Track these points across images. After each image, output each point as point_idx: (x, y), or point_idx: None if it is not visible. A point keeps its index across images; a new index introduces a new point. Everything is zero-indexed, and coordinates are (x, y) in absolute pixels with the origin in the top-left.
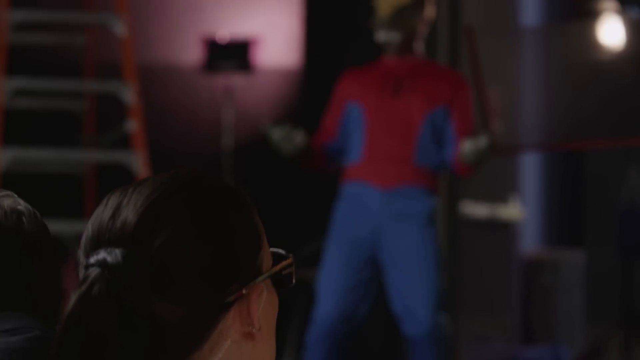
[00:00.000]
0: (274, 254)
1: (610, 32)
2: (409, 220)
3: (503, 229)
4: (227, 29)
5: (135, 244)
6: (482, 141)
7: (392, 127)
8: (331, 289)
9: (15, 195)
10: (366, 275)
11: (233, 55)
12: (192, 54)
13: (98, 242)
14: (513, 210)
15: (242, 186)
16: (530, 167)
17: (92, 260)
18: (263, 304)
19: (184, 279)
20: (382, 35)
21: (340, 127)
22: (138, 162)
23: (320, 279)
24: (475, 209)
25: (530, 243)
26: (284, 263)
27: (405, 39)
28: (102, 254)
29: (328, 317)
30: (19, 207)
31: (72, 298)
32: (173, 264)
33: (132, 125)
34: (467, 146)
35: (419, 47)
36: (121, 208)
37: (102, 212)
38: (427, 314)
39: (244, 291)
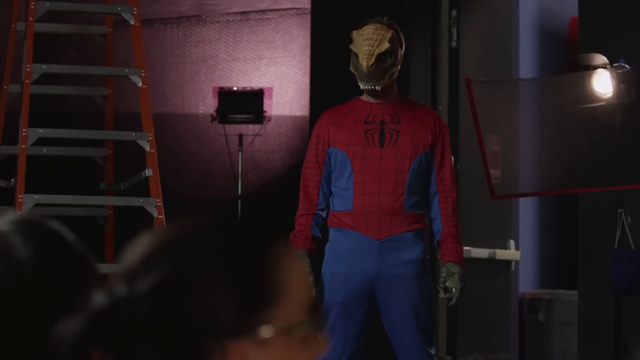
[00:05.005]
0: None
1: (601, 84)
2: (402, 268)
3: (502, 270)
4: (240, 81)
5: (128, 285)
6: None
7: (381, 177)
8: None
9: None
10: (363, 316)
11: (245, 105)
12: (206, 104)
13: (115, 279)
14: (511, 253)
15: (268, 236)
16: (526, 212)
17: (93, 299)
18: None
19: (164, 324)
20: (366, 86)
21: (324, 175)
22: (154, 207)
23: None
24: (475, 253)
25: (527, 285)
26: (292, 322)
27: (386, 84)
28: (100, 295)
29: None
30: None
31: (53, 334)
32: (157, 308)
33: (149, 172)
34: (448, 281)
35: (395, 85)
36: (134, 249)
37: (127, 252)
38: (419, 356)
39: (228, 346)
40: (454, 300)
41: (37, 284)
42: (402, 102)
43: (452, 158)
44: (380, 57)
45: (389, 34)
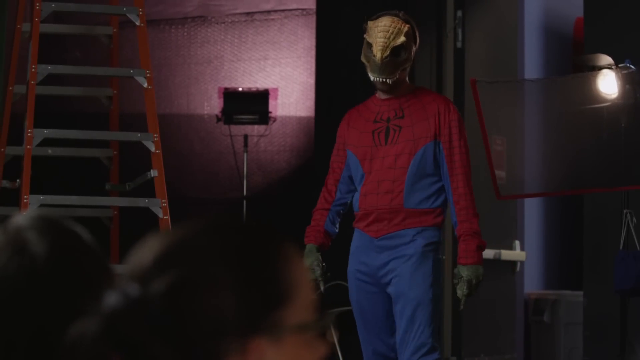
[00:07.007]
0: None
1: (607, 85)
2: (397, 264)
3: (507, 271)
4: (245, 82)
5: (142, 286)
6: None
7: (380, 177)
8: (365, 342)
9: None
10: (377, 312)
11: (251, 106)
12: (211, 105)
13: (124, 279)
14: (516, 254)
15: (278, 236)
16: (531, 213)
17: (105, 299)
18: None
19: (182, 324)
20: (377, 77)
21: (343, 175)
22: (160, 207)
23: (358, 326)
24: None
25: (532, 285)
26: (303, 320)
27: (397, 78)
28: (113, 295)
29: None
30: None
31: (70, 335)
32: (174, 308)
33: (155, 173)
34: (460, 282)
35: (407, 80)
36: (146, 249)
37: (136, 252)
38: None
39: (246, 344)
40: (461, 307)
41: (49, 280)
42: (411, 94)
43: (465, 144)
44: (395, 51)
45: (405, 28)
